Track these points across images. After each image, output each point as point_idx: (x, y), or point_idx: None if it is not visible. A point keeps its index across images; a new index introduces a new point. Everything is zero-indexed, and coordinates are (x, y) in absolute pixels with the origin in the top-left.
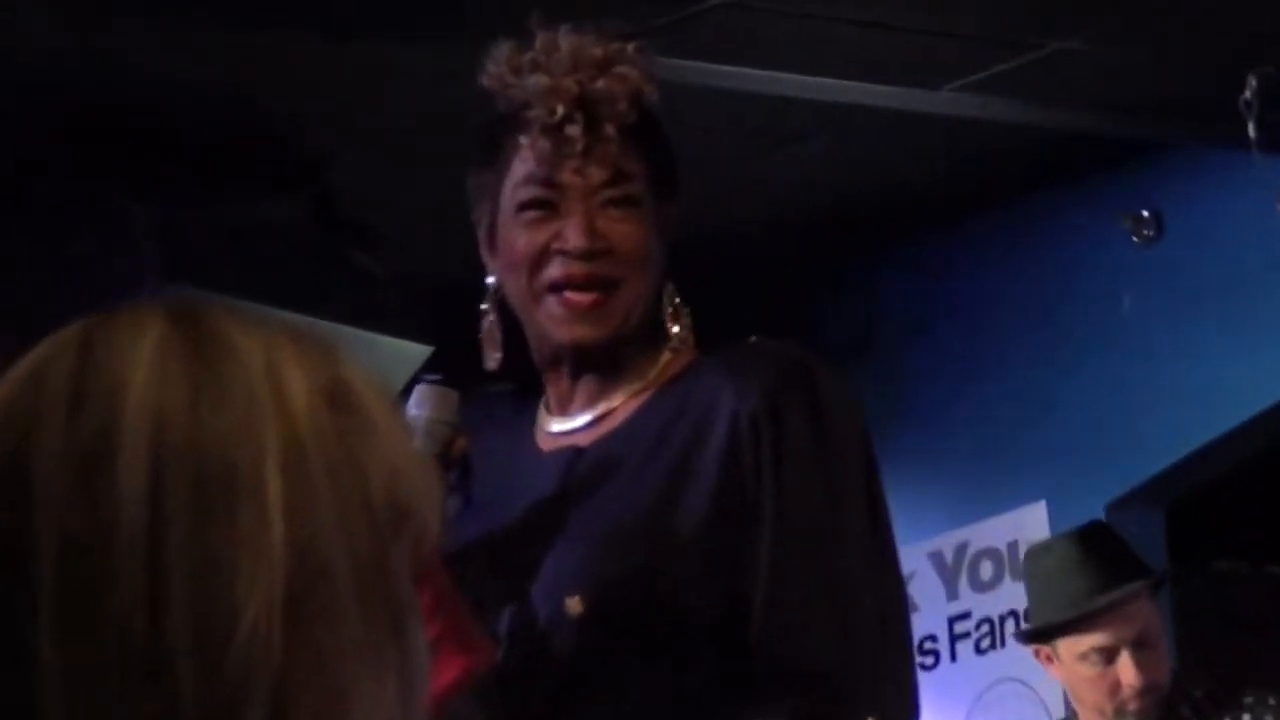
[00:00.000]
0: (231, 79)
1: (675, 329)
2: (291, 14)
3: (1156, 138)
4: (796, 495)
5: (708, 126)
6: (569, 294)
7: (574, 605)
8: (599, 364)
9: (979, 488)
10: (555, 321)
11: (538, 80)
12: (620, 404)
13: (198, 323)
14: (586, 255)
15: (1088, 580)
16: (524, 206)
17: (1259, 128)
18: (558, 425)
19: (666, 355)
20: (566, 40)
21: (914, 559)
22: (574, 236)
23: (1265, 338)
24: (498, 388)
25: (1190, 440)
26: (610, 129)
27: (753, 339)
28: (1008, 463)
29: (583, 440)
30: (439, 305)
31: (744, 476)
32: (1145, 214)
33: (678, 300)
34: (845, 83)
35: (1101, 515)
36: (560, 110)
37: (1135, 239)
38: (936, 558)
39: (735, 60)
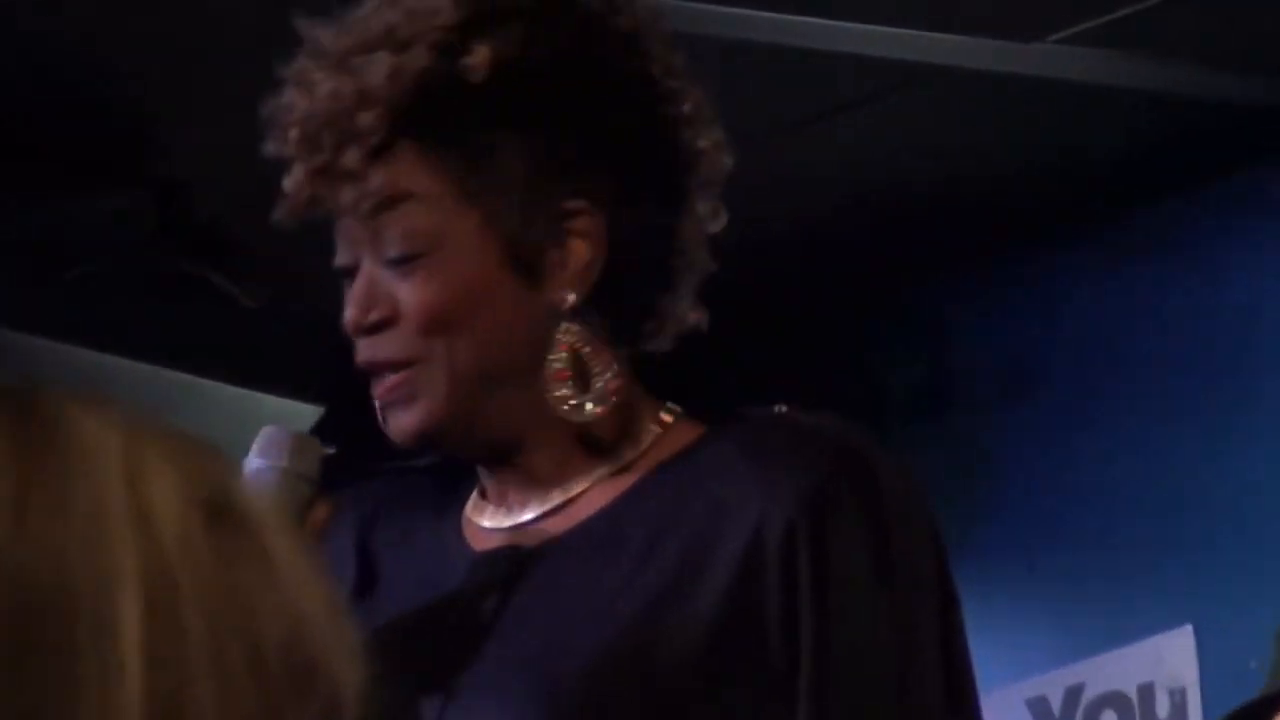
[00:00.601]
0: (43, 30)
1: (598, 384)
2: None
3: None
4: (847, 642)
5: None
6: (373, 383)
7: None
8: (506, 460)
9: (1098, 609)
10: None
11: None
12: (582, 493)
13: (31, 406)
14: (362, 332)
15: None
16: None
17: None
18: (493, 519)
19: (653, 429)
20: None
21: (1009, 708)
22: (349, 308)
23: None
24: (415, 463)
25: None
26: (353, 156)
27: (781, 408)
28: (1139, 574)
29: (529, 539)
30: (331, 349)
31: (766, 611)
32: None
33: (584, 349)
34: (903, 32)
35: (1268, 642)
36: (294, 135)
37: None
38: (1039, 705)
39: (755, 2)
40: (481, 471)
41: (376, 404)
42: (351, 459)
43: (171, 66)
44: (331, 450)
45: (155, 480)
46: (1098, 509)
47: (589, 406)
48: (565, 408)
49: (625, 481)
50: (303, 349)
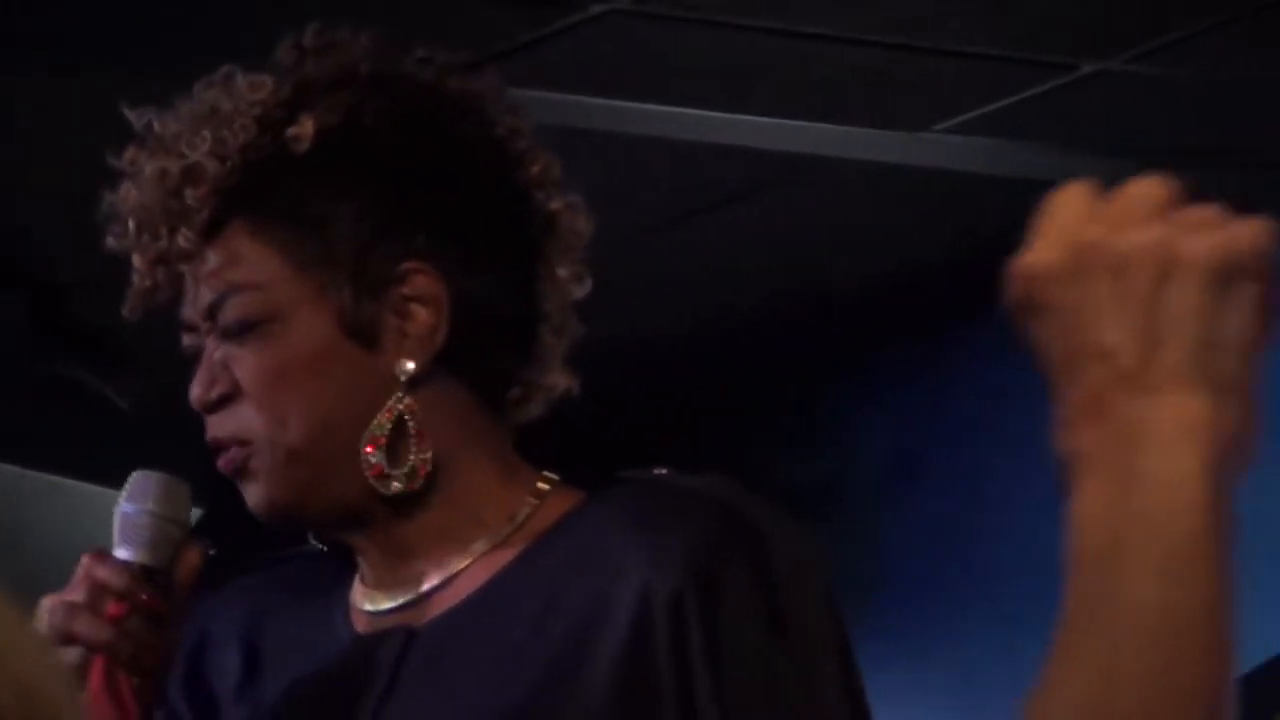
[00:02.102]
0: None
1: (409, 459)
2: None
3: (1236, 194)
4: (744, 710)
5: (595, 184)
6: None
7: None
8: (365, 535)
9: (994, 691)
10: None
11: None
12: (463, 570)
13: None
14: (206, 409)
15: None
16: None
17: None
18: (374, 601)
19: (530, 501)
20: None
21: None
22: (192, 387)
23: None
24: (299, 549)
25: None
26: (186, 236)
27: (662, 471)
28: (1033, 655)
29: (414, 618)
30: (210, 451)
31: (658, 683)
32: None
33: (412, 421)
34: (792, 123)
35: None
36: (131, 225)
37: None
38: None
39: (632, 93)
40: (356, 550)
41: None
42: (233, 560)
43: (46, 169)
44: (212, 552)
45: None
46: (990, 591)
47: (395, 483)
48: (373, 473)
49: (506, 555)
50: (180, 451)
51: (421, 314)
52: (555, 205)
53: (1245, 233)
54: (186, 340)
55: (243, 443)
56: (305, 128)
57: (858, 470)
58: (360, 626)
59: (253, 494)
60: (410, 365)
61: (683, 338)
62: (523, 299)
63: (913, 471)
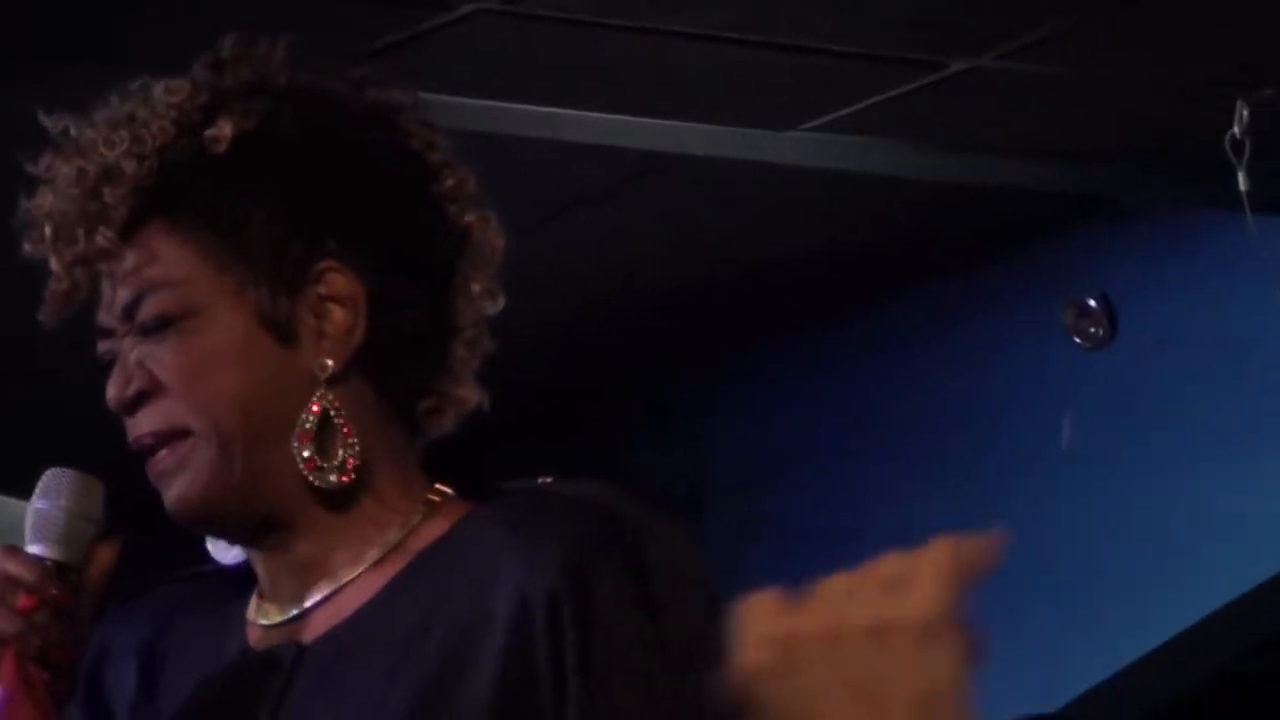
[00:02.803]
0: None
1: (340, 453)
2: None
3: (1106, 193)
4: (618, 713)
5: None
6: (147, 459)
7: None
8: (275, 542)
9: None
10: None
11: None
12: (352, 581)
13: None
14: (127, 408)
15: None
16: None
17: (1251, 178)
18: (268, 616)
19: (420, 510)
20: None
21: None
22: (109, 388)
23: (1276, 483)
24: (202, 569)
25: (1161, 629)
26: (105, 235)
27: (545, 480)
28: None
29: (305, 634)
30: (111, 430)
31: (538, 686)
32: (1092, 303)
33: (338, 417)
34: (659, 122)
35: None
36: (48, 231)
37: (1078, 339)
38: None
39: (500, 93)
40: (255, 561)
41: (152, 479)
42: (132, 576)
43: None
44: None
45: None
46: None
47: (332, 475)
48: (307, 467)
49: (392, 567)
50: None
51: (338, 314)
52: (470, 219)
53: (943, 585)
54: (102, 347)
55: (181, 434)
56: (223, 129)
57: (719, 467)
58: (255, 643)
59: (180, 488)
60: (330, 363)
61: (547, 336)
62: (436, 309)
63: (774, 469)
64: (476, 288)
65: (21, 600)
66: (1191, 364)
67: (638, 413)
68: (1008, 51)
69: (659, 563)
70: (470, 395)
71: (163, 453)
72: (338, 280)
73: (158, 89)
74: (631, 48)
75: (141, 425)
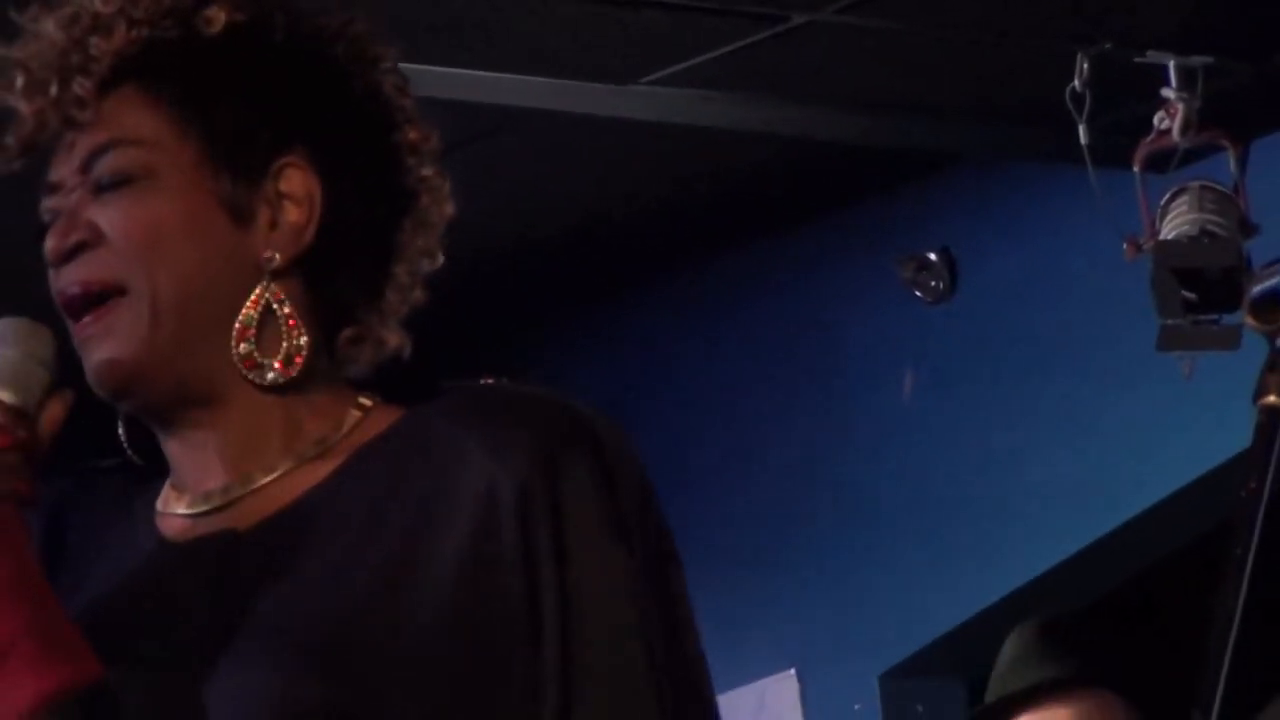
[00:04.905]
0: None
1: (284, 345)
2: None
3: (947, 147)
4: (589, 589)
5: None
6: (71, 322)
7: None
8: (198, 420)
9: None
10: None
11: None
12: (285, 474)
13: None
14: (64, 256)
15: None
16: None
17: (1093, 131)
18: (190, 505)
19: (354, 414)
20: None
21: None
22: (49, 238)
23: (1116, 439)
24: (102, 464)
25: (1002, 584)
26: (82, 84)
27: (491, 381)
28: (743, 619)
29: (237, 522)
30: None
31: (505, 570)
32: (932, 257)
33: (281, 310)
34: (502, 76)
35: (875, 686)
36: (21, 78)
37: (919, 293)
38: None
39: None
40: (171, 448)
41: (77, 345)
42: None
43: None
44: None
45: None
46: (700, 555)
47: (270, 373)
48: (245, 364)
49: (331, 463)
50: None
51: (293, 211)
52: (427, 173)
53: None
54: (46, 204)
55: (112, 291)
56: (217, 15)
57: None
58: (171, 532)
59: (107, 351)
60: (277, 256)
61: None
62: (380, 243)
63: (622, 422)
64: (420, 242)
65: None
66: (1033, 317)
67: (480, 368)
68: (848, 5)
69: (616, 452)
70: (392, 339)
71: (88, 318)
72: (297, 177)
73: None
74: (475, 2)
75: (71, 274)
